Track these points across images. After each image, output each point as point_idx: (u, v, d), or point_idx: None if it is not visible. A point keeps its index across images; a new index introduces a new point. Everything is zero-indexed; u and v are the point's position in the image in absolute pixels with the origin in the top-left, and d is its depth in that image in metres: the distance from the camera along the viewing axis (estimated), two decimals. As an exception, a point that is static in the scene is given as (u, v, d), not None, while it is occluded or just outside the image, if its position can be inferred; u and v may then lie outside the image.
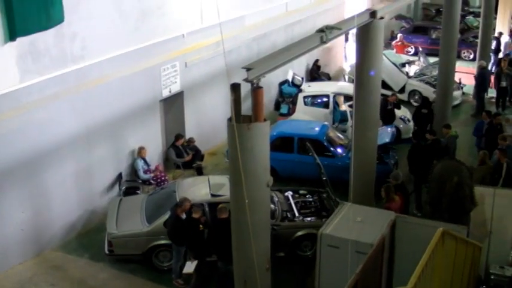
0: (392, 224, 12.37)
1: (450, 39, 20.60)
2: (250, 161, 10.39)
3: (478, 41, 28.07)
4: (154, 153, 18.72)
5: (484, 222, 14.11)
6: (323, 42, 11.98)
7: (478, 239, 13.72)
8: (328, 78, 27.09)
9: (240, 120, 10.33)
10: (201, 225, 13.74)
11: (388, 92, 25.06)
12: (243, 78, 10.01)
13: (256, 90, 10.18)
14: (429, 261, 8.61)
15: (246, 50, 21.71)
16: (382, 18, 14.52)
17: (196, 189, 15.39)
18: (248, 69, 9.88)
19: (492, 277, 13.56)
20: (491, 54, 29.11)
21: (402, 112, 22.81)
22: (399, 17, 35.54)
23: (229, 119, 10.32)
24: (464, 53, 33.09)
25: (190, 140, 18.79)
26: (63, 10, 14.17)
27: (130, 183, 17.43)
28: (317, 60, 26.78)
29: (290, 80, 23.76)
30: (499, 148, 16.85)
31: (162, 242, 14.53)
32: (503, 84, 24.23)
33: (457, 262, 11.32)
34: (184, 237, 13.85)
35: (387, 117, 21.10)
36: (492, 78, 25.83)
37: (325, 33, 12.01)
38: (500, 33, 30.62)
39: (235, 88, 10.20)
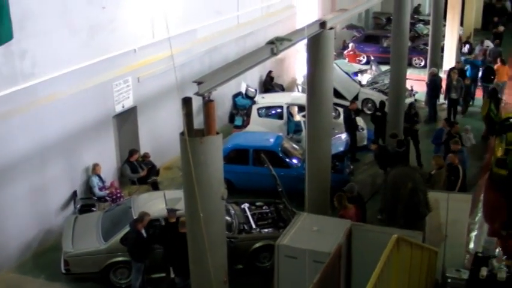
0: (348, 232, 12.44)
1: (400, 47, 20.82)
2: (204, 174, 10.38)
3: (428, 48, 28.44)
4: (109, 169, 18.56)
5: (439, 227, 14.29)
6: (274, 53, 12.02)
7: (434, 244, 13.91)
8: (282, 89, 27.21)
9: (192, 134, 10.31)
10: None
11: (342, 102, 25.41)
12: (194, 92, 10.00)
13: (207, 103, 10.18)
14: (384, 268, 8.66)
15: (199, 64, 21.70)
16: (332, 28, 14.59)
17: (152, 204, 15.30)
18: (199, 83, 9.86)
19: (449, 280, 13.76)
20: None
21: (356, 120, 22.98)
22: (350, 27, 35.89)
23: (182, 133, 10.30)
24: (415, 60, 33.59)
25: (145, 155, 18.68)
26: (12, 27, 13.99)
27: (85, 201, 17.27)
28: (270, 72, 26.86)
29: (244, 92, 23.82)
30: (453, 151, 17.08)
31: (120, 259, 14.44)
32: (454, 96, 24.34)
33: (413, 267, 11.42)
34: (146, 253, 13.79)
35: (352, 126, 21.49)
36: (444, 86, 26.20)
37: (275, 45, 12.05)
38: (469, 37, 31.49)
39: (186, 102, 10.19)
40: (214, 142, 10.44)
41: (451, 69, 25.67)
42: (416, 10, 42.82)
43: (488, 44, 33.25)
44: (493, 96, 23.59)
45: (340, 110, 23.44)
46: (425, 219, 13.98)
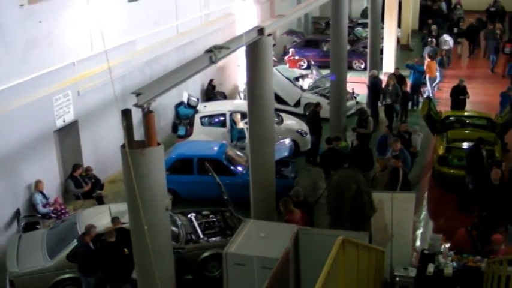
0: (295, 237, 12.48)
1: (339, 50, 21.03)
2: (147, 186, 10.32)
3: (368, 50, 28.77)
4: (53, 185, 18.28)
5: (385, 227, 14.44)
6: (212, 62, 12.01)
7: (380, 244, 14.05)
8: (224, 97, 27.20)
9: (133, 146, 10.23)
10: (125, 249, 13.42)
11: (284, 107, 25.59)
12: (134, 104, 9.93)
13: (147, 114, 10.11)
14: (331, 270, 8.68)
15: (139, 75, 21.56)
16: (270, 34, 14.64)
17: (98, 218, 15.10)
18: (138, 94, 9.79)
19: (397, 279, 13.94)
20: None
21: (299, 125, 23.15)
22: (290, 32, 36.06)
23: (123, 146, 10.22)
24: (355, 63, 33.92)
25: (88, 169, 18.45)
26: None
27: (29, 219, 16.92)
28: (212, 80, 26.84)
29: (186, 101, 23.74)
30: (394, 155, 17.29)
31: (67, 276, 14.23)
32: (389, 101, 24.26)
33: (361, 268, 11.49)
34: (96, 266, 13.64)
35: (318, 127, 21.64)
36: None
37: (214, 53, 12.05)
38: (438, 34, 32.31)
39: (126, 114, 10.11)
40: (155, 153, 10.38)
41: (390, 75, 25.78)
42: (364, 13, 43.19)
43: (447, 38, 34.72)
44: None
45: (283, 115, 23.57)
46: (370, 220, 14.12)
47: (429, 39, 33.42)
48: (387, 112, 24.42)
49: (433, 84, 29.28)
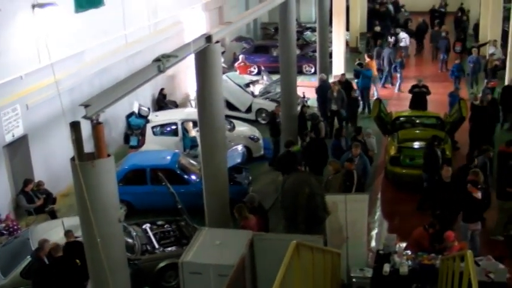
0: (250, 243, 12.50)
1: (289, 55, 21.10)
2: (99, 198, 10.21)
3: (317, 54, 28.94)
4: (3, 202, 17.98)
5: (340, 229, 14.56)
6: (160, 71, 11.91)
7: (336, 246, 14.17)
8: (175, 105, 27.12)
9: (83, 159, 10.13)
10: (77, 260, 13.28)
11: (236, 114, 25.63)
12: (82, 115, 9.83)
13: (96, 126, 10.01)
14: (286, 274, 8.71)
15: (88, 86, 21.33)
16: (218, 41, 14.63)
17: (51, 233, 14.92)
18: (86, 105, 9.69)
19: (354, 280, 14.11)
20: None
21: (251, 131, 23.21)
22: (239, 39, 36.12)
23: (72, 159, 10.12)
24: (305, 67, 34.16)
25: (40, 184, 18.17)
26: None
27: (-20, 237, 16.67)
28: (162, 89, 26.73)
29: (136, 111, 23.57)
30: (348, 158, 17.41)
31: (20, 293, 13.99)
32: (334, 107, 24.13)
33: (317, 271, 11.54)
34: (51, 282, 13.44)
35: (276, 130, 21.82)
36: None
37: (162, 62, 11.95)
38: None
39: (74, 127, 9.99)
40: (106, 165, 10.28)
41: (334, 81, 25.81)
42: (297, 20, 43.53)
43: (403, 36, 35.96)
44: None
45: (235, 122, 23.59)
46: (325, 222, 14.19)
47: (389, 40, 34.58)
48: (333, 118, 24.42)
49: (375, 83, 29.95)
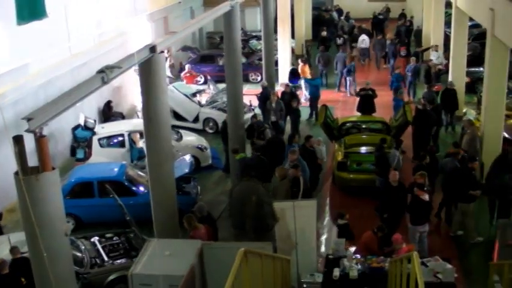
0: (199, 252, 12.49)
1: (234, 64, 21.09)
2: (44, 212, 10.07)
3: (263, 63, 29.05)
4: None
5: (289, 235, 14.63)
6: (104, 82, 11.80)
7: (285, 252, 14.24)
8: (122, 117, 26.90)
9: (27, 173, 9.99)
10: (22, 279, 13.06)
11: (183, 124, 25.60)
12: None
13: (39, 139, 9.87)
14: (235, 282, 8.72)
15: (33, 99, 21.00)
16: (162, 52, 14.58)
17: (-3, 250, 14.71)
18: (29, 119, 9.57)
19: (305, 286, 14.14)
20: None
21: (198, 141, 23.20)
22: (185, 48, 36.00)
23: (16, 173, 9.98)
24: (252, 75, 34.25)
25: (-16, 200, 17.93)
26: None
27: None
28: (109, 101, 26.53)
29: (82, 123, 23.31)
30: (293, 165, 17.50)
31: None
32: (273, 118, 24.08)
33: (266, 278, 11.58)
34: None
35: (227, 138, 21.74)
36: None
37: (105, 74, 11.86)
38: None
39: (18, 140, 9.87)
40: (50, 178, 10.14)
41: (272, 92, 25.45)
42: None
43: (364, 37, 37.25)
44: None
45: (182, 131, 23.55)
46: (274, 229, 14.24)
47: (320, 46, 35.08)
48: (274, 128, 23.95)
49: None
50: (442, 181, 18.17)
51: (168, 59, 32.75)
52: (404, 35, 38.64)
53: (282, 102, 24.43)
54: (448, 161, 18.24)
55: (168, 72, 27.83)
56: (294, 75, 30.50)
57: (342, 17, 46.61)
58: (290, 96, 25.47)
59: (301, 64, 31.03)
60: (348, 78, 31.94)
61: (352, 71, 31.82)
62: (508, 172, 17.44)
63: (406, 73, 29.34)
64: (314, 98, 27.92)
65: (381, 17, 45.50)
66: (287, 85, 27.31)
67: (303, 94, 30.15)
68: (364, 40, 37.09)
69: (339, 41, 38.90)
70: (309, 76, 30.86)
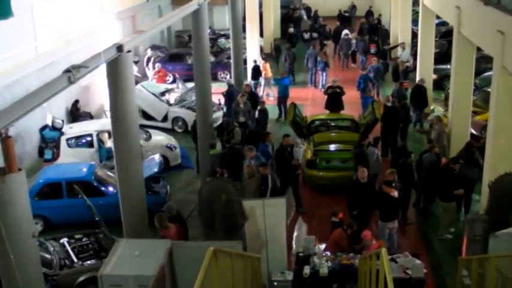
0: (169, 252, 12.45)
1: (202, 63, 21.05)
2: (10, 214, 10.00)
3: (231, 61, 29.04)
4: None
5: (258, 234, 14.63)
6: (71, 82, 11.72)
7: (256, 251, 14.24)
8: (90, 116, 26.69)
9: (-7, 174, 9.91)
10: None
11: (152, 123, 25.51)
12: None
13: (5, 140, 9.80)
14: (204, 282, 8.70)
15: (-2, 100, 20.84)
16: (130, 51, 14.50)
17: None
18: (-8, 120, 9.48)
19: (275, 284, 14.16)
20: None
21: (168, 140, 23.12)
22: (154, 47, 35.86)
23: (-19, 175, 9.90)
24: (220, 74, 34.19)
25: None
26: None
27: None
28: (77, 101, 26.32)
29: (50, 124, 23.12)
30: (261, 163, 17.52)
31: None
32: (241, 119, 23.69)
33: (236, 277, 11.57)
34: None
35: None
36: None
37: (72, 73, 11.77)
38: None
39: (-18, 142, 9.79)
40: (17, 179, 10.07)
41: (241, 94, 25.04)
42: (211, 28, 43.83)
43: (347, 32, 37.49)
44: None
45: (151, 131, 23.47)
46: (244, 228, 14.23)
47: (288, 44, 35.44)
48: (243, 128, 23.67)
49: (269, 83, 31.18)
50: (420, 177, 18.45)
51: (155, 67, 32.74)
52: (367, 33, 38.92)
53: (249, 103, 24.30)
54: (427, 156, 18.40)
55: (135, 71, 27.70)
56: (256, 72, 30.54)
57: (311, 15, 46.81)
58: (250, 96, 25.29)
59: (262, 62, 31.18)
60: (322, 73, 32.40)
61: (327, 66, 32.38)
62: (469, 166, 17.77)
63: (369, 73, 29.27)
64: (283, 98, 27.94)
65: (346, 14, 45.86)
66: (247, 85, 27.29)
67: (265, 91, 30.62)
68: (346, 34, 37.37)
69: (306, 35, 39.30)
70: (270, 74, 31.18)
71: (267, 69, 30.99)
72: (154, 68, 33.06)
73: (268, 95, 30.55)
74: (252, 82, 28.98)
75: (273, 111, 26.81)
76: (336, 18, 44.75)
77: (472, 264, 13.50)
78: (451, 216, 17.48)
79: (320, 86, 32.14)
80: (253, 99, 25.02)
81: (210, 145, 19.79)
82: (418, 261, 13.79)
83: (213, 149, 19.57)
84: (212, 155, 19.45)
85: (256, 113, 24.17)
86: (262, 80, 30.77)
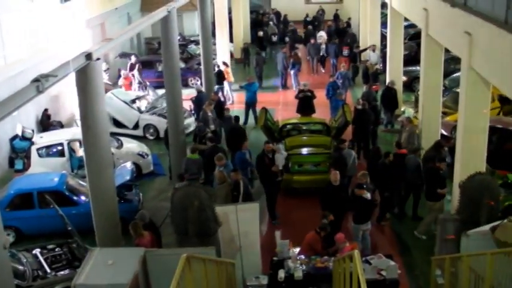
0: (143, 260, 12.41)
1: (173, 69, 21.01)
2: (-19, 226, 9.90)
3: (202, 67, 29.01)
4: None
5: (232, 239, 14.66)
6: (40, 91, 11.63)
7: (230, 256, 14.25)
8: (61, 126, 26.53)
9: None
10: None
11: (123, 131, 25.39)
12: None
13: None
14: (178, 288, 8.71)
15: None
16: (98, 59, 14.43)
17: None
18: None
19: (250, 288, 14.14)
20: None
21: (140, 147, 23.04)
22: (123, 55, 35.68)
23: (-50, 187, 9.79)
24: (191, 80, 34.10)
25: None
26: None
27: None
28: (46, 110, 26.12)
29: (20, 134, 22.97)
30: (232, 169, 17.52)
31: None
32: (212, 127, 23.08)
33: (211, 283, 11.58)
34: None
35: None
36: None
37: (41, 82, 11.68)
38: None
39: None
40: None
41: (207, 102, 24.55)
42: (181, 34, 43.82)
43: (322, 34, 38.35)
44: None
45: (122, 139, 23.37)
46: (217, 234, 14.22)
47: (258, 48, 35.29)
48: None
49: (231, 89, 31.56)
50: (405, 178, 18.54)
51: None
52: (335, 36, 39.17)
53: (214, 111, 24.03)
54: (410, 158, 18.53)
55: (105, 79, 27.58)
56: (219, 77, 30.53)
57: (281, 19, 47.03)
58: (217, 104, 25.11)
59: (223, 67, 31.21)
60: (295, 74, 32.92)
61: (296, 70, 32.91)
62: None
63: (336, 80, 29.18)
64: (251, 103, 28.00)
65: (308, 19, 46.26)
66: (215, 93, 27.21)
67: (228, 96, 30.87)
68: (321, 36, 37.77)
69: (274, 38, 39.52)
70: (231, 79, 31.56)
71: (228, 73, 31.23)
72: (140, 74, 32.82)
73: (229, 99, 30.79)
74: (216, 87, 28.96)
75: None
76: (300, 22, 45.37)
77: (445, 264, 13.62)
78: (436, 216, 17.57)
79: (294, 87, 32.41)
80: (219, 107, 24.86)
81: (192, 149, 19.79)
82: (392, 263, 13.88)
83: (192, 154, 19.53)
84: (188, 159, 19.44)
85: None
86: (226, 85, 30.91)
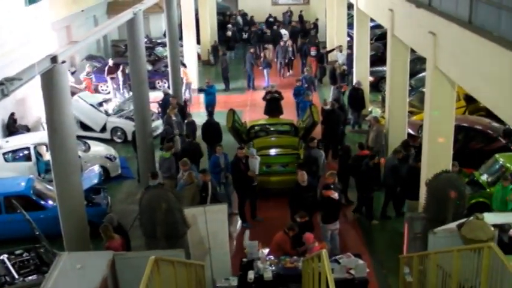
0: (111, 263, 12.34)
1: (139, 72, 20.92)
2: None
3: (169, 69, 28.95)
4: None
5: (201, 241, 14.66)
6: (5, 95, 11.52)
7: (199, 258, 14.25)
8: (27, 129, 26.28)
9: None
10: None
11: (90, 134, 25.25)
12: None
13: None
14: (147, 292, 8.68)
15: None
16: (64, 61, 14.33)
17: None
18: None
19: (220, 290, 14.13)
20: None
21: (107, 150, 22.94)
22: (90, 58, 35.47)
23: None
24: (158, 83, 33.98)
25: None
26: None
27: None
28: (13, 114, 25.84)
29: (-15, 139, 22.79)
30: (201, 170, 17.52)
31: None
32: (176, 132, 22.69)
33: (180, 285, 11.55)
34: None
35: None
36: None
37: (5, 86, 11.57)
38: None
39: None
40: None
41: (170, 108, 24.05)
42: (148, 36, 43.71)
43: (285, 32, 39.04)
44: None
45: (90, 142, 23.23)
46: (186, 235, 14.20)
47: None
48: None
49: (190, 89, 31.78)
50: (384, 177, 18.82)
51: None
52: (297, 36, 39.46)
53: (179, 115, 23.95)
54: (389, 158, 18.68)
55: (71, 82, 27.41)
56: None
57: (248, 20, 47.24)
58: (179, 108, 24.95)
59: (183, 68, 31.20)
60: (265, 70, 33.57)
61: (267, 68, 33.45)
62: (405, 163, 18.51)
63: (302, 85, 29.18)
64: (210, 106, 28.09)
65: (270, 19, 46.53)
66: (174, 97, 26.97)
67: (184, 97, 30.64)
68: (285, 35, 38.45)
69: (245, 35, 39.84)
70: (190, 80, 31.71)
71: (186, 74, 31.37)
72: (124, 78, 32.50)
73: (188, 100, 30.76)
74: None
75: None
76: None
77: (413, 262, 13.73)
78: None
79: (266, 84, 32.88)
80: (182, 111, 24.79)
81: (167, 147, 19.72)
82: (360, 261, 13.96)
83: (165, 152, 19.52)
84: (163, 158, 19.45)
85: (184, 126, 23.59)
86: (184, 86, 30.78)
